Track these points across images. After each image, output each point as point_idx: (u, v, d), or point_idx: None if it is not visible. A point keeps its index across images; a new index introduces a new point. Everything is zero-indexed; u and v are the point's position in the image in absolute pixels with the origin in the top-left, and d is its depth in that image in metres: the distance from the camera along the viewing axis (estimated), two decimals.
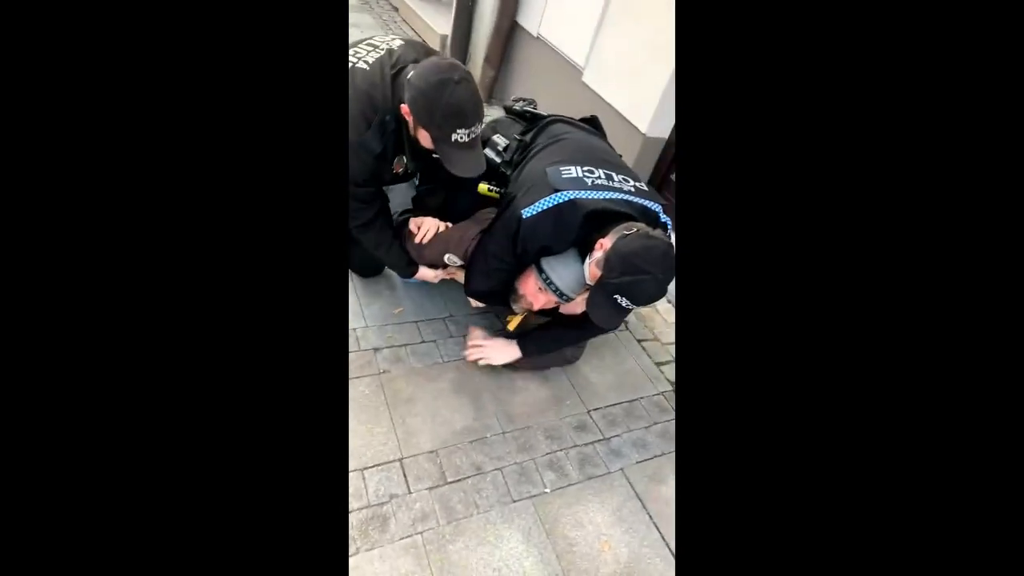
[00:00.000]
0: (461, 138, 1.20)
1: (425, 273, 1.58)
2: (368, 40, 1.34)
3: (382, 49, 1.30)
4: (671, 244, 1.21)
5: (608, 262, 1.20)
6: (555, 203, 1.27)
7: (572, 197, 1.26)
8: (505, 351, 1.53)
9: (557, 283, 1.35)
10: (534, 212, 1.28)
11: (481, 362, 1.54)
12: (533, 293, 1.43)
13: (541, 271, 1.37)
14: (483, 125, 1.25)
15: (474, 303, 1.68)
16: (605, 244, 1.24)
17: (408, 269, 1.55)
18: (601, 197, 1.28)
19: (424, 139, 1.26)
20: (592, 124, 1.58)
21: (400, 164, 1.38)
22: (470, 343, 1.57)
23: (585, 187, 1.28)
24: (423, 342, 1.60)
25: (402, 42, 1.33)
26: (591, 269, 1.28)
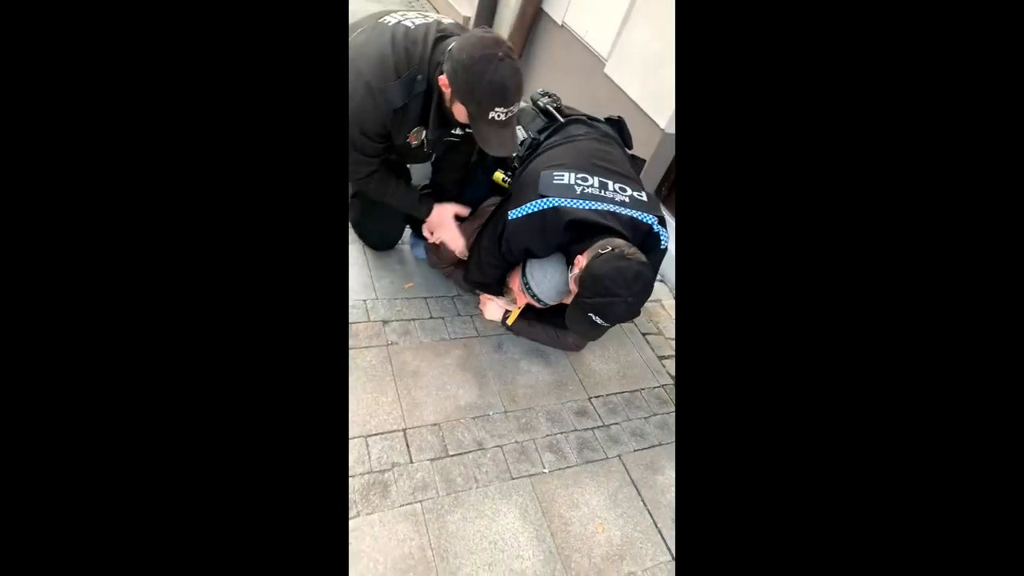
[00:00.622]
0: (499, 116, 1.17)
1: (443, 223, 1.52)
2: (420, 11, 1.33)
3: (431, 19, 1.29)
4: (645, 263, 1.23)
5: (582, 282, 1.24)
6: (539, 208, 1.29)
7: (556, 204, 1.28)
8: (499, 311, 1.59)
9: (535, 289, 1.39)
10: (519, 215, 1.31)
11: (486, 314, 1.61)
12: (518, 291, 1.48)
13: (523, 273, 1.41)
14: (520, 104, 1.21)
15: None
16: (581, 262, 1.27)
17: (422, 208, 1.50)
18: (586, 207, 1.29)
19: (460, 113, 1.23)
20: (617, 125, 1.58)
21: (416, 136, 1.34)
22: (482, 298, 1.64)
23: (573, 195, 1.30)
24: (431, 318, 1.61)
25: (452, 21, 1.32)
26: (571, 284, 1.32)
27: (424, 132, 1.34)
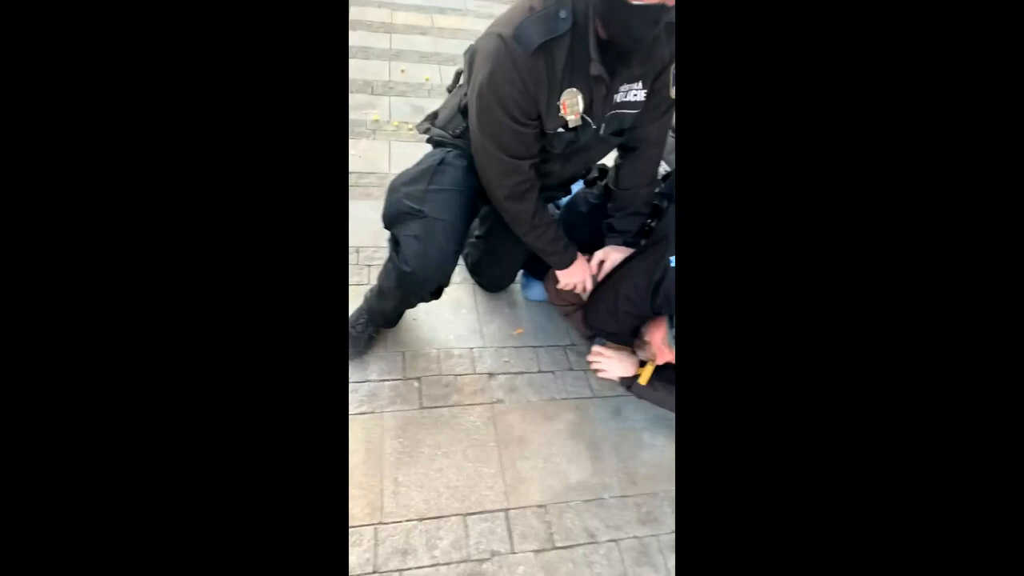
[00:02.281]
0: None
1: (577, 273, 1.33)
2: None
3: None
4: None
5: None
6: None
7: None
8: (624, 364, 1.36)
9: None
10: None
11: (600, 374, 1.39)
12: (660, 346, 1.24)
13: (673, 327, 1.18)
14: None
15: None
16: None
17: (566, 256, 1.30)
18: None
19: None
20: None
21: (570, 104, 1.03)
22: (594, 351, 1.41)
23: None
24: (540, 372, 1.46)
25: None
26: None
27: (580, 97, 1.03)
